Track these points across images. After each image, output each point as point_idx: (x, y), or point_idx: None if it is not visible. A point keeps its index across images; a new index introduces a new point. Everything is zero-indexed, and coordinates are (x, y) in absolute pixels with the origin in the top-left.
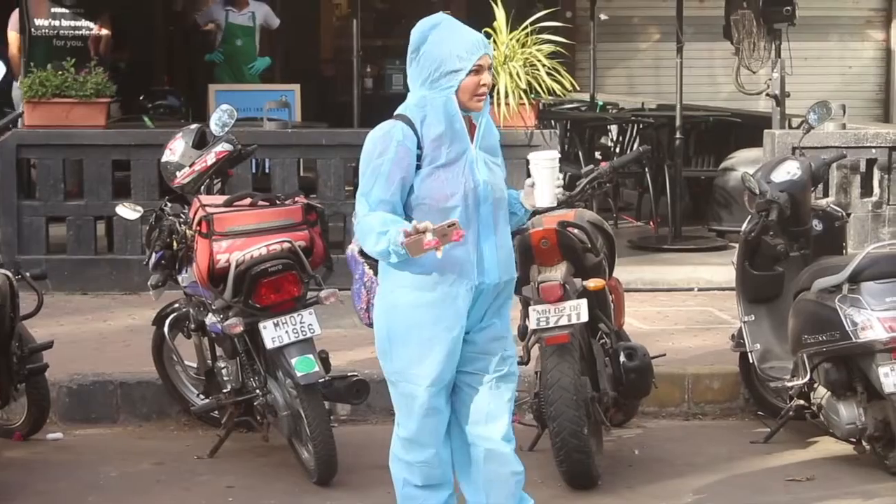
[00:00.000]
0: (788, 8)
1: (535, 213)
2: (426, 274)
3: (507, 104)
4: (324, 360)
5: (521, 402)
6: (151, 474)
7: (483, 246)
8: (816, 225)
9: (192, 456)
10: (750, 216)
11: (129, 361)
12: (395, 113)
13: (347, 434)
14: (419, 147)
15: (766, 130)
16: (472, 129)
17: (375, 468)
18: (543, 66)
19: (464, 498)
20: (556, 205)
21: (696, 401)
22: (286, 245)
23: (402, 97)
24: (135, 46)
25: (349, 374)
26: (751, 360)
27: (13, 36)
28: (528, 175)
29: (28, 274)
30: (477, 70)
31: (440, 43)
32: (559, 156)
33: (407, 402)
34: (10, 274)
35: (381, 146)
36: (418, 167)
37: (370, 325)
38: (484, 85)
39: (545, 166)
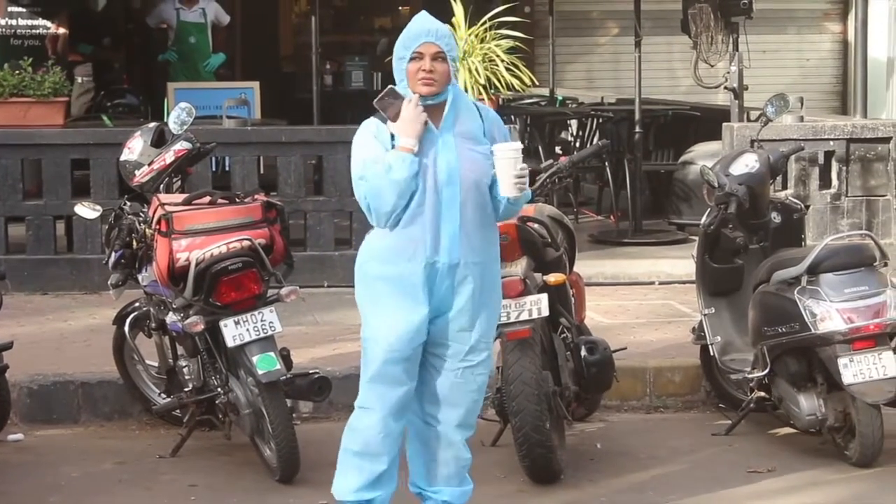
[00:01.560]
0: (746, 1)
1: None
2: (388, 248)
3: None
4: (285, 357)
5: (483, 397)
6: (113, 474)
7: (442, 226)
8: (775, 217)
9: (155, 455)
10: (709, 209)
11: (91, 361)
12: None
13: (310, 431)
14: (392, 136)
15: (724, 123)
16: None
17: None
18: (502, 61)
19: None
20: (517, 195)
21: (657, 394)
22: (246, 243)
23: (361, 94)
24: (95, 44)
25: (311, 371)
26: (711, 353)
27: None
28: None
29: None
30: (417, 57)
31: (400, 35)
32: (521, 147)
33: (365, 367)
34: None
35: (360, 140)
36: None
37: None
38: (425, 70)
39: (503, 157)
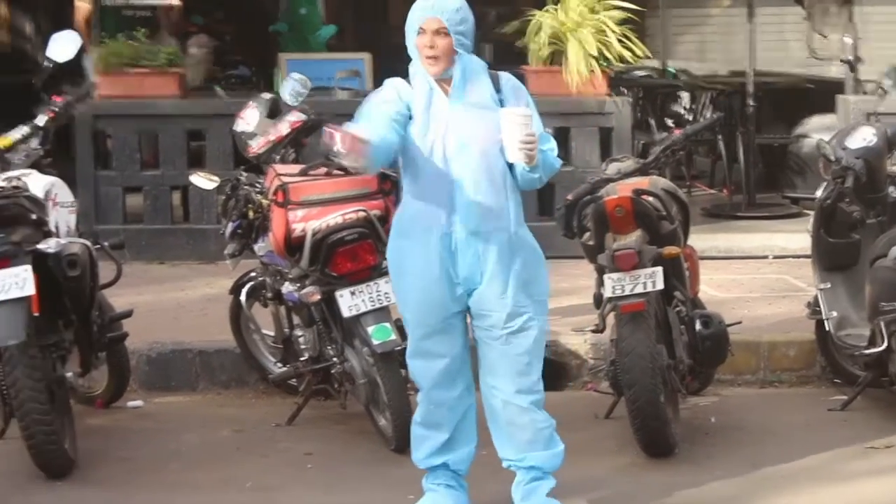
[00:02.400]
0: None
1: (609, 180)
2: (408, 220)
3: (577, 72)
4: (400, 328)
5: (596, 370)
6: (231, 441)
7: (457, 196)
8: (893, 192)
9: (271, 423)
10: (825, 183)
11: (208, 330)
12: None
13: None
14: (411, 98)
15: (838, 96)
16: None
17: None
18: (613, 32)
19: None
20: (523, 161)
21: (772, 368)
22: (362, 214)
23: None
24: (206, 16)
25: None
26: (827, 328)
27: (82, 6)
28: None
29: (106, 244)
30: (421, 32)
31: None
32: (530, 113)
33: (409, 335)
34: (89, 244)
35: (384, 94)
36: (411, 118)
37: None
38: (427, 47)
39: (509, 120)
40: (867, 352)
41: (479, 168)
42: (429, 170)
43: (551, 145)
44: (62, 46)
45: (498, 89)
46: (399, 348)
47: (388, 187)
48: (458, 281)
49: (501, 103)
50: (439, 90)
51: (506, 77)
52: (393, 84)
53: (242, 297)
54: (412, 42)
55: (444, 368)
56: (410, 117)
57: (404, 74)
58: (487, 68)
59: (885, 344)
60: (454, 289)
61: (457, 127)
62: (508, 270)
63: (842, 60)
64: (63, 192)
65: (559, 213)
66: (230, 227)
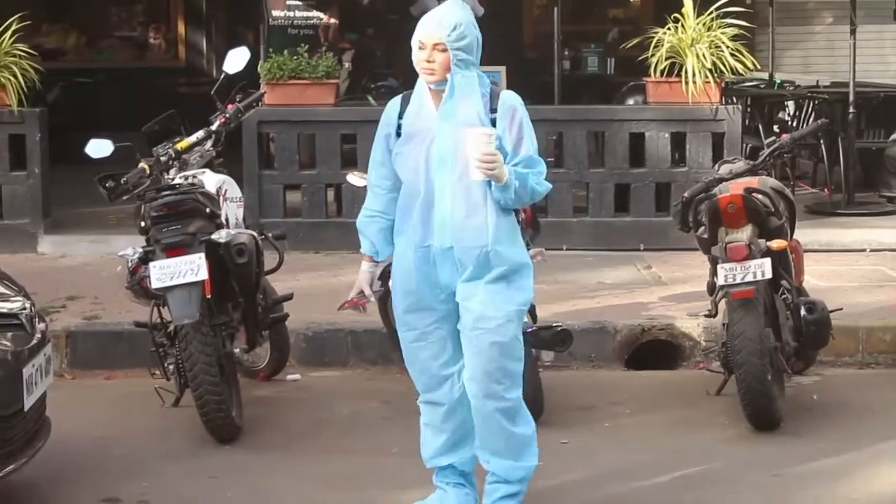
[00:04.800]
0: None
1: (722, 180)
2: (396, 231)
3: (694, 82)
4: (530, 311)
5: (709, 351)
6: (378, 412)
7: (433, 212)
8: None
9: (413, 397)
10: None
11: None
12: None
13: (551, 378)
14: (400, 116)
15: None
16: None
17: (577, 409)
18: (727, 47)
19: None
20: (480, 178)
21: (869, 351)
22: None
23: (597, 78)
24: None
25: (554, 324)
26: None
27: None
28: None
29: (270, 235)
30: (421, 46)
31: None
32: (493, 133)
33: (402, 344)
34: (255, 234)
35: (383, 119)
36: (397, 136)
37: None
38: (426, 61)
39: (470, 140)
40: None
41: (457, 184)
42: (410, 182)
43: (538, 169)
44: (234, 61)
45: (494, 108)
46: (530, 330)
47: None
48: (441, 287)
49: (493, 122)
50: (431, 105)
51: (506, 96)
52: (393, 105)
53: (390, 284)
54: (414, 57)
55: (436, 372)
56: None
57: (536, 85)
58: (491, 86)
59: None
60: (437, 294)
61: (441, 143)
62: (481, 280)
63: None
64: (232, 188)
65: (675, 209)
66: None
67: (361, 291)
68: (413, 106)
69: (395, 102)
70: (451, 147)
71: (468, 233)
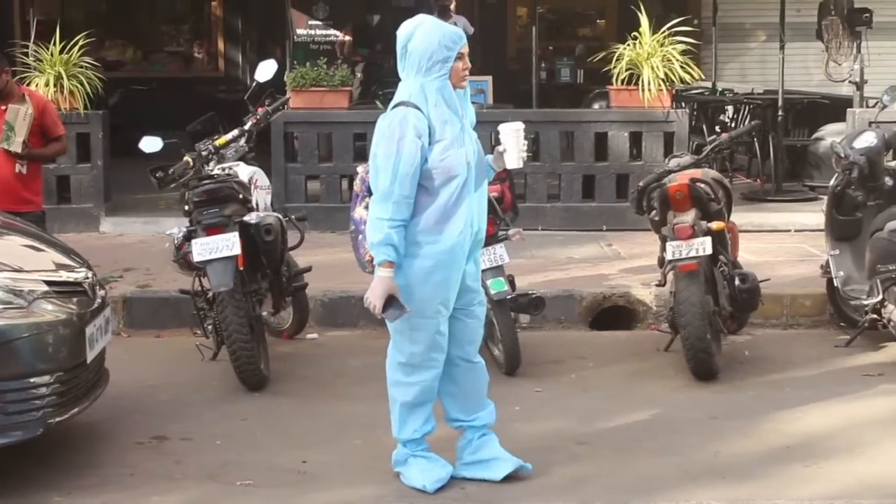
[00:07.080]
0: (867, 15)
1: (671, 171)
2: (441, 228)
3: (649, 90)
4: (511, 281)
5: (659, 315)
6: (384, 365)
7: (472, 203)
8: (888, 181)
9: None
10: (836, 174)
11: (367, 280)
12: (399, 101)
13: (527, 337)
14: (429, 127)
15: (848, 109)
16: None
17: (549, 363)
18: (677, 60)
19: (440, 411)
20: (521, 166)
21: (792, 315)
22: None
23: (568, 86)
24: (370, 48)
25: (530, 292)
26: (835, 285)
27: None
28: (498, 143)
29: (293, 217)
30: (461, 56)
31: (426, 38)
32: (523, 126)
33: (417, 333)
34: (280, 217)
35: (400, 131)
36: (429, 143)
37: (372, 272)
38: (467, 68)
39: (512, 135)
40: (866, 302)
41: (480, 177)
42: (461, 177)
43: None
44: (264, 71)
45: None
46: (510, 297)
47: (504, 175)
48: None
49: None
50: (454, 110)
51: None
52: (419, 117)
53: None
54: (448, 66)
55: (439, 340)
56: (430, 143)
57: (518, 92)
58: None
59: (880, 296)
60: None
61: (470, 145)
62: (471, 258)
63: (851, 82)
64: (262, 178)
65: (632, 196)
66: None
67: (401, 304)
68: (439, 110)
69: (420, 115)
70: (473, 145)
71: (483, 216)
